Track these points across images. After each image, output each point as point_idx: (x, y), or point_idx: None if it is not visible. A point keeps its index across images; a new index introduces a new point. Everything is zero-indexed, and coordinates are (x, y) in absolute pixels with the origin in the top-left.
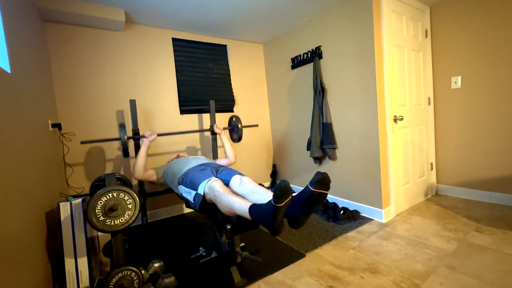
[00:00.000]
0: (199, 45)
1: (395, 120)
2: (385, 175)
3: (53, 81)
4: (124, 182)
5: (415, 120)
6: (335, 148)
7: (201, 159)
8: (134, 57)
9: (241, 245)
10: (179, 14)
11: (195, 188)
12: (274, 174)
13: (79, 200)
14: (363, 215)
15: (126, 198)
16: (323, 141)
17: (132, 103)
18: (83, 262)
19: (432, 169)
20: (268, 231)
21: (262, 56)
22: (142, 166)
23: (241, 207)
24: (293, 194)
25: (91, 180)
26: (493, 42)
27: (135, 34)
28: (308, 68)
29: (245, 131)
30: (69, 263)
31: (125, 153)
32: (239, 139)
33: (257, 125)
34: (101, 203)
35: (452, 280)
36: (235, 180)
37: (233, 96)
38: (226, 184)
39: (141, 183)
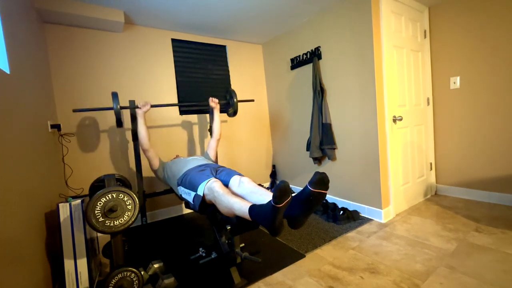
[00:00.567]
0: (198, 45)
1: (394, 121)
2: (385, 175)
3: (52, 82)
4: (124, 183)
5: (414, 120)
6: (334, 149)
7: (200, 160)
8: (134, 58)
9: (241, 245)
10: (178, 15)
11: (195, 189)
12: (273, 175)
13: (79, 201)
14: (362, 215)
15: (125, 199)
16: (323, 142)
17: (132, 103)
18: (82, 263)
19: (431, 169)
20: (268, 232)
21: (262, 57)
22: (145, 136)
23: (241, 207)
24: (293, 195)
25: (90, 181)
26: (492, 42)
27: (135, 35)
28: (308, 68)
29: (244, 132)
30: (68, 264)
31: (119, 122)
32: (234, 113)
33: (253, 100)
34: (100, 204)
35: (452, 280)
36: (234, 181)
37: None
38: (226, 184)
39: (140, 183)
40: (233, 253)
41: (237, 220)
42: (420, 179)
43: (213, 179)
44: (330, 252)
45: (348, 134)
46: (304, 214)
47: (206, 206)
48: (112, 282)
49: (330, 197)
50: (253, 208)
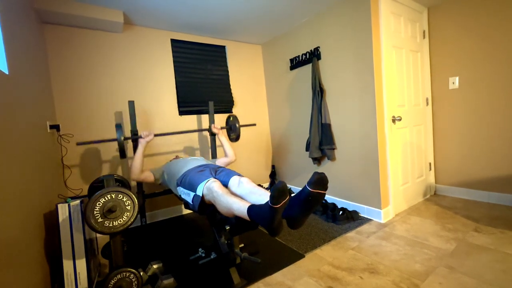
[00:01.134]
0: (197, 46)
1: (393, 121)
2: (384, 176)
3: (51, 82)
4: (123, 183)
5: (414, 120)
6: (334, 149)
7: (199, 160)
8: (133, 58)
9: (240, 246)
10: (178, 16)
11: (194, 190)
12: (273, 175)
13: (78, 201)
14: (362, 215)
15: (124, 199)
16: (322, 142)
17: (131, 104)
18: (81, 263)
19: (430, 169)
20: (267, 232)
21: (261, 57)
22: (138, 167)
23: (240, 208)
24: (292, 195)
25: (89, 182)
26: (491, 43)
27: (134, 36)
28: (307, 69)
29: (244, 132)
30: (67, 265)
31: (122, 154)
32: (236, 138)
33: (254, 124)
34: (99, 204)
35: (451, 280)
36: (233, 181)
37: (232, 97)
38: (225, 185)
39: (140, 184)
40: (233, 254)
41: (236, 220)
42: (419, 179)
43: (212, 179)
44: (330, 252)
45: (348, 134)
46: (304, 214)
47: (205, 206)
48: (111, 283)
49: (329, 197)
50: (252, 208)
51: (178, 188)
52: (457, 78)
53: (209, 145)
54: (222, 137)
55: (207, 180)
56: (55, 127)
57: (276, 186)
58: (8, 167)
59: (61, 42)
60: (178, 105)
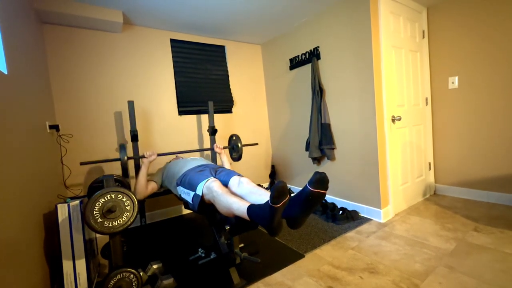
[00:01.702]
0: (197, 46)
1: (393, 120)
2: (384, 175)
3: (51, 82)
4: (122, 183)
5: (413, 120)
6: (333, 149)
7: (199, 160)
8: (132, 58)
9: (240, 246)
10: (177, 16)
11: (194, 189)
12: (273, 175)
13: (77, 201)
14: (362, 215)
15: (124, 199)
16: (322, 142)
17: (131, 104)
18: (81, 264)
19: (430, 169)
20: (267, 232)
21: (261, 57)
22: (143, 186)
23: (240, 207)
24: (292, 195)
25: (89, 182)
26: (490, 43)
27: (133, 36)
28: (306, 68)
29: (244, 132)
30: (67, 265)
31: (125, 173)
32: (239, 158)
33: (256, 144)
34: (99, 204)
35: (451, 280)
36: (233, 181)
37: (232, 97)
38: (225, 184)
39: None
40: (233, 254)
41: (236, 220)
42: (419, 179)
43: (212, 179)
44: (330, 252)
45: (347, 134)
46: (304, 214)
47: (205, 206)
48: (111, 283)
49: (329, 197)
50: (252, 208)
51: (177, 187)
52: (456, 78)
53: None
54: (224, 157)
55: (207, 180)
56: (55, 127)
57: (276, 186)
58: (8, 167)
59: (60, 42)
60: (177, 105)
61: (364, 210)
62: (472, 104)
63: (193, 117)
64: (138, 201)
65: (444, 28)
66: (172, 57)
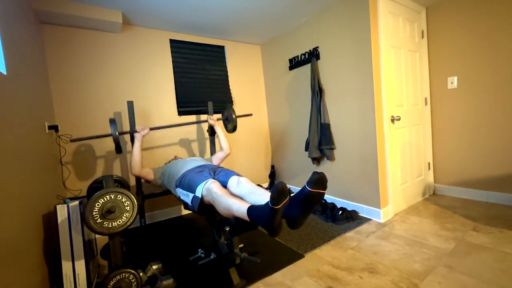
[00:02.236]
0: (196, 46)
1: (392, 120)
2: (383, 175)
3: (50, 83)
4: (122, 184)
5: (412, 120)
6: (333, 149)
7: (198, 161)
8: (132, 58)
9: (240, 246)
10: (177, 16)
11: (193, 191)
12: (272, 175)
13: (76, 202)
14: (361, 215)
15: (124, 200)
16: (321, 142)
17: (130, 104)
18: (80, 265)
19: (429, 168)
20: (267, 232)
21: (260, 57)
22: (138, 162)
23: (239, 208)
24: (292, 195)
25: (88, 182)
26: (489, 42)
27: (133, 36)
28: (306, 69)
29: (243, 132)
30: (66, 266)
31: (118, 149)
32: (233, 129)
33: (251, 115)
34: (98, 205)
35: (450, 279)
36: (233, 181)
37: (231, 97)
38: (224, 185)
39: (139, 184)
40: (232, 254)
41: (236, 220)
42: (418, 179)
43: (211, 180)
44: (329, 252)
45: (347, 134)
46: (303, 214)
47: (205, 207)
48: (111, 284)
49: (328, 197)
50: (252, 209)
51: (177, 189)
52: (455, 78)
53: (207, 144)
54: (218, 129)
55: (206, 181)
56: (54, 127)
57: (276, 187)
58: (6, 168)
59: (59, 43)
60: (177, 106)
61: (363, 210)
62: (471, 104)
63: (193, 117)
64: (136, 178)
65: (443, 28)
66: (172, 57)
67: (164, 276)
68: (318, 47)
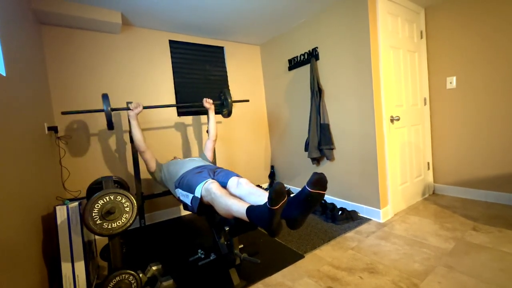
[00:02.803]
0: (196, 47)
1: (391, 121)
2: (383, 175)
3: (49, 83)
4: (122, 185)
5: (412, 120)
6: (332, 149)
7: (197, 161)
8: (131, 59)
9: (239, 246)
10: (176, 16)
11: (192, 191)
12: (272, 175)
13: (76, 203)
14: (361, 215)
15: (123, 201)
16: (321, 142)
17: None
18: (80, 266)
19: (429, 168)
20: (267, 233)
21: (259, 58)
22: (140, 138)
23: (239, 209)
24: (291, 195)
25: (87, 183)
26: (488, 42)
27: (132, 37)
28: (305, 69)
29: (243, 133)
30: (66, 267)
31: (109, 124)
32: (228, 114)
33: (248, 100)
34: (98, 206)
35: (450, 279)
36: (232, 182)
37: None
38: (224, 186)
39: (139, 185)
40: (232, 254)
41: (235, 221)
42: (418, 179)
43: (210, 181)
44: (329, 252)
45: (346, 134)
46: (303, 214)
47: (204, 208)
48: (110, 285)
49: (328, 197)
50: (251, 210)
51: (176, 190)
52: (454, 78)
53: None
54: (211, 113)
55: (205, 181)
56: (53, 128)
57: (274, 188)
58: (6, 169)
59: (59, 43)
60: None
61: (363, 210)
62: (470, 103)
63: (192, 117)
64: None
65: (441, 28)
66: (171, 58)
67: (164, 277)
68: (317, 47)
